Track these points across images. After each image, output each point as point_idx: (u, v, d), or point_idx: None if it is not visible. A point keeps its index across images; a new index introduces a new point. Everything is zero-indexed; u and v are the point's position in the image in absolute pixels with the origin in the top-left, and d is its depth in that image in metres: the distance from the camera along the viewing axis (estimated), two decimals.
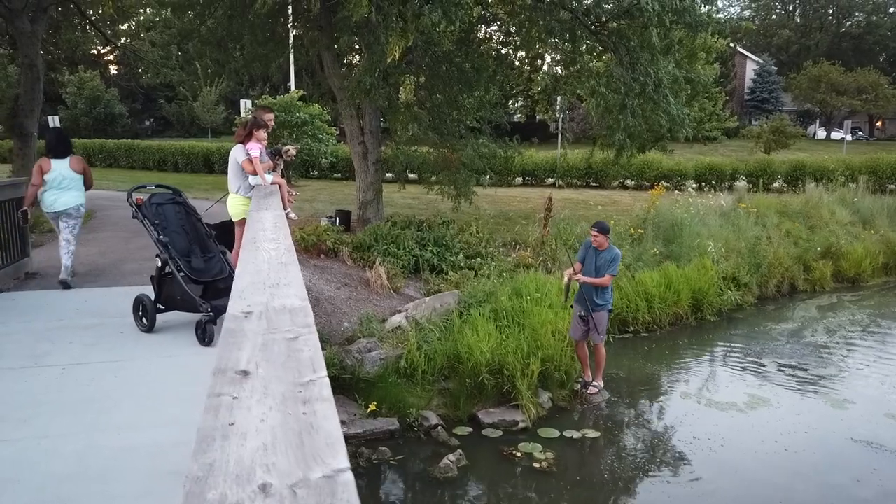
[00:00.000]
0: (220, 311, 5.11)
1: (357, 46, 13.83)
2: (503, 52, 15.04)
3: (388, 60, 7.60)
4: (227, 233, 6.75)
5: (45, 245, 9.85)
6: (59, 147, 6.92)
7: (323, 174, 23.29)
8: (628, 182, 21.89)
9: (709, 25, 10.79)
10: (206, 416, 1.06)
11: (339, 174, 23.56)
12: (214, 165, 24.90)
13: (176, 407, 3.89)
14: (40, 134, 20.18)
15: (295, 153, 7.14)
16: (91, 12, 19.92)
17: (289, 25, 13.60)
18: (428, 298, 8.25)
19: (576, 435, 6.45)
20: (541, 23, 11.79)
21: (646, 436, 6.80)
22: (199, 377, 4.42)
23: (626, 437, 6.77)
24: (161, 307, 5.37)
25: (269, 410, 1.07)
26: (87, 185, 7.19)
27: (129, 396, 4.06)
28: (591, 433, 6.50)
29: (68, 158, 6.91)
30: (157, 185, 5.89)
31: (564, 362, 7.29)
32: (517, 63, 17.28)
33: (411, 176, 14.90)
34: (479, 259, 9.93)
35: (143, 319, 5.34)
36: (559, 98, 21.18)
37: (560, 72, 19.87)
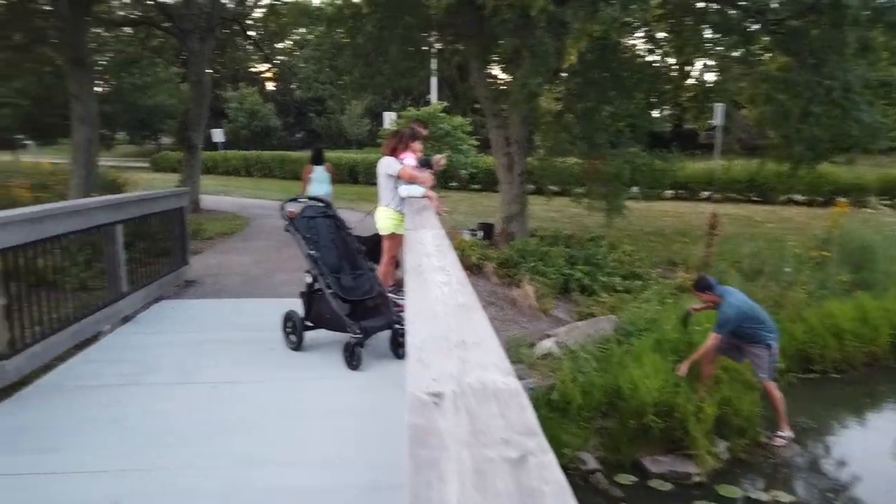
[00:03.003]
0: (369, 332, 4.81)
1: (498, 58, 13.47)
2: (648, 58, 14.02)
3: (565, 65, 7.06)
4: (376, 246, 6.52)
5: (204, 252, 10.29)
6: (318, 158, 10.21)
7: (462, 185, 23.18)
8: (797, 197, 19.68)
9: None
10: None
11: (479, 185, 23.32)
12: (359, 176, 25.61)
13: (321, 444, 3.55)
14: (207, 145, 21.78)
15: (445, 163, 6.78)
16: (253, 32, 21.20)
17: (431, 38, 13.45)
18: (581, 323, 7.56)
19: (764, 497, 5.46)
20: (706, 23, 10.72)
21: None
22: (346, 407, 4.09)
23: None
24: (309, 325, 5.15)
25: None
26: (333, 181, 10.23)
27: (274, 424, 3.79)
28: (784, 496, 5.47)
29: (323, 165, 10.10)
30: (309, 198, 5.73)
31: (744, 406, 6.29)
32: (664, 69, 16.09)
33: (552, 188, 14.17)
34: (637, 281, 9.07)
35: (292, 336, 5.15)
36: (720, 106, 19.57)
37: (715, 77, 18.25)
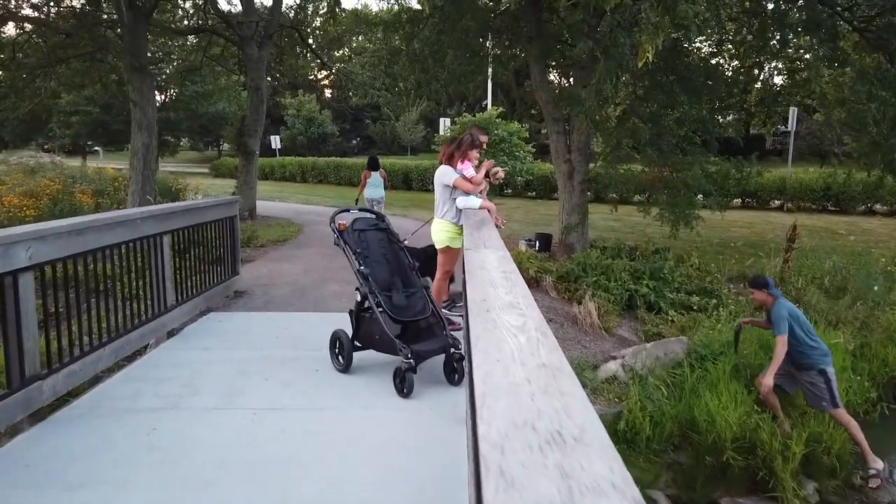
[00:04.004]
0: (422, 356, 4.42)
1: (556, 63, 12.95)
2: (713, 62, 13.28)
3: (640, 64, 6.58)
4: (430, 259, 6.16)
5: (256, 260, 10.15)
6: (373, 165, 12.23)
7: (517, 192, 22.73)
8: (878, 207, 18.40)
9: None
10: None
11: (534, 193, 22.83)
12: (413, 182, 25.46)
13: (364, 486, 3.19)
14: (266, 151, 21.89)
15: (503, 176, 6.36)
16: (311, 40, 21.29)
17: (488, 44, 13.02)
18: (649, 345, 6.99)
19: None
20: (788, 23, 9.97)
21: None
22: (394, 442, 3.70)
23: None
24: (358, 345, 4.81)
25: None
26: (386, 186, 12.32)
27: (317, 461, 3.44)
28: None
29: (378, 171, 12.15)
30: (360, 209, 5.39)
31: (836, 443, 5.63)
32: (735, 72, 15.28)
33: (613, 195, 13.53)
34: (707, 298, 8.43)
35: (339, 358, 4.82)
36: (793, 110, 18.56)
37: (789, 80, 17.26)
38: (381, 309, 4.57)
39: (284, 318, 6.43)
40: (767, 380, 5.70)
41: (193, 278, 6.24)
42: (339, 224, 5.02)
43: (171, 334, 5.64)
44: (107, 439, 3.64)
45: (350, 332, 4.82)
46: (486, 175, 5.93)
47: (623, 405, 5.94)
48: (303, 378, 4.66)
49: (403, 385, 4.28)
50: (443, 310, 6.49)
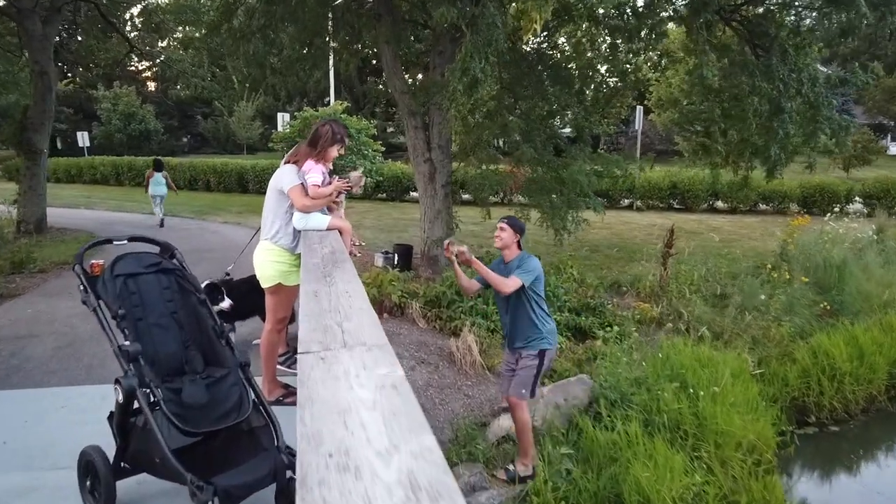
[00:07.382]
0: (234, 497, 2.58)
1: (415, 43, 11.48)
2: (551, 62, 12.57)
3: (526, 37, 5.18)
4: (253, 290, 4.34)
5: (24, 294, 7.55)
6: (158, 166, 14.49)
7: (367, 195, 21.00)
8: (719, 204, 18.93)
9: None
10: None
11: (385, 195, 21.23)
12: (249, 184, 22.81)
13: None
14: (74, 150, 18.12)
15: (363, 184, 4.52)
16: (116, 21, 18.00)
17: (327, 39, 11.09)
18: (546, 390, 5.61)
19: None
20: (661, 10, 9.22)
21: None
22: None
23: None
24: (126, 467, 2.87)
25: None
26: (170, 186, 14.54)
27: None
28: None
29: (162, 172, 14.30)
30: (130, 238, 3.33)
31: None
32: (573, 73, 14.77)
33: (489, 198, 12.24)
34: (592, 317, 7.33)
35: (94, 495, 2.84)
36: (639, 108, 18.61)
37: (614, 84, 17.12)
38: (158, 409, 2.67)
39: (31, 401, 4.21)
40: (467, 254, 4.32)
41: None
42: (93, 266, 3.02)
43: None
44: None
45: (112, 451, 2.86)
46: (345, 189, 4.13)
47: (528, 485, 4.49)
48: None
49: None
50: (278, 366, 4.67)
